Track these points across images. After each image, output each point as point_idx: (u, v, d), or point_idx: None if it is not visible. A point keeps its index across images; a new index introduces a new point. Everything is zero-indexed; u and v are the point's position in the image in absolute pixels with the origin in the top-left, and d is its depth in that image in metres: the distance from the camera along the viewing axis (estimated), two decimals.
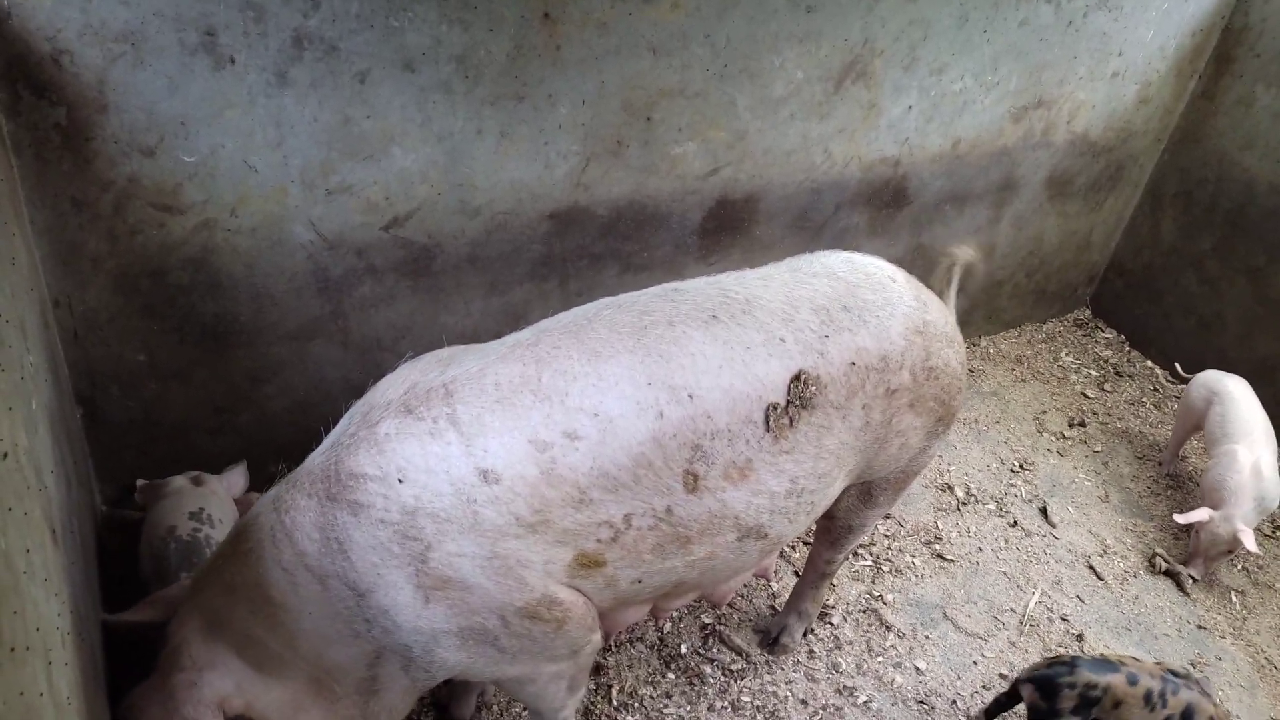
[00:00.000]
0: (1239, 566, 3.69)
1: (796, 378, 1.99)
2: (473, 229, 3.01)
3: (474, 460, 1.77)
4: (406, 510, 1.74)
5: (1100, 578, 3.51)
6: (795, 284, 2.14)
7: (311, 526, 1.78)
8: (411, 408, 1.82)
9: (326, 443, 1.92)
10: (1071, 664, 2.61)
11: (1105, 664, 2.62)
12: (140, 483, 2.85)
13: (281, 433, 3.15)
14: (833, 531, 2.66)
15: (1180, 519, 3.49)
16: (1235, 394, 3.76)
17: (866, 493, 2.48)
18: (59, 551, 1.77)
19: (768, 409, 1.96)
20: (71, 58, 2.23)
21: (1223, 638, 3.35)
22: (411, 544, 1.75)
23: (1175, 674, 2.63)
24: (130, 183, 2.46)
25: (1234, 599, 3.53)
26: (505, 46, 2.69)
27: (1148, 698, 2.57)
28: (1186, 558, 3.60)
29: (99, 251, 2.54)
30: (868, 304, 2.14)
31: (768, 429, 1.97)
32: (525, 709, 2.73)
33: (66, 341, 2.62)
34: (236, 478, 2.99)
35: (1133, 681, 2.57)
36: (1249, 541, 3.32)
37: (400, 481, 1.75)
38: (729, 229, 3.57)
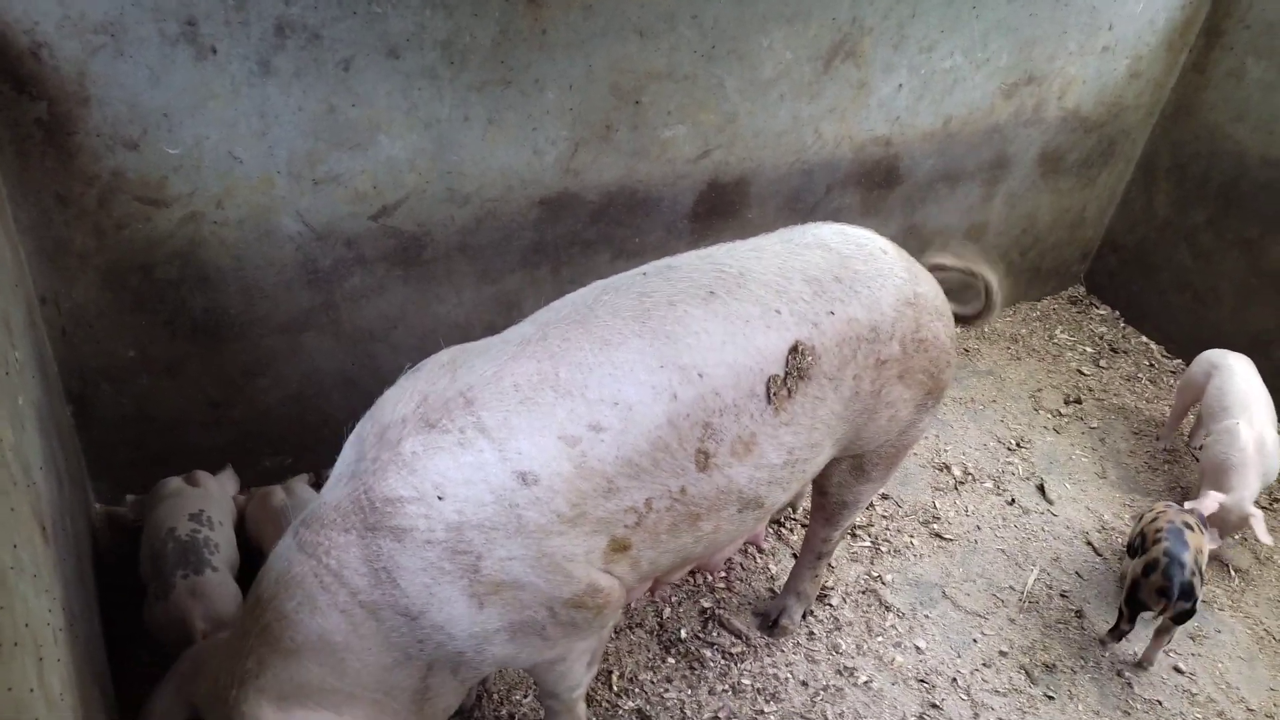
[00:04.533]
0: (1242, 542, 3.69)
1: (794, 349, 2.00)
2: (462, 217, 2.99)
3: (510, 464, 1.76)
4: (451, 526, 1.73)
5: (1099, 554, 3.51)
6: (788, 255, 2.14)
7: (358, 562, 1.74)
8: (433, 421, 1.78)
9: (342, 473, 1.86)
10: (1177, 560, 2.85)
11: (1178, 535, 2.93)
12: (130, 498, 2.85)
13: (276, 426, 3.14)
14: (827, 508, 2.66)
15: (1191, 506, 3.31)
16: (1235, 368, 3.72)
17: (858, 467, 2.48)
18: (50, 549, 1.76)
19: (769, 381, 1.97)
20: (50, 50, 2.20)
21: (1221, 610, 3.36)
22: (462, 557, 1.74)
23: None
24: (114, 177, 2.44)
25: (1232, 572, 3.53)
26: (490, 31, 2.67)
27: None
28: None
29: (85, 247, 2.52)
30: (859, 275, 2.14)
31: (769, 401, 1.97)
32: (525, 696, 2.73)
33: (55, 339, 2.61)
34: (228, 480, 2.99)
35: (1189, 527, 2.98)
36: (1261, 531, 3.23)
37: (440, 499, 1.73)
38: (721, 212, 3.55)
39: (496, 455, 1.76)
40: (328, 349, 3.06)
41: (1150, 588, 2.88)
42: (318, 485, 3.12)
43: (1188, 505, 3.31)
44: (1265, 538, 3.23)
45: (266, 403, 3.08)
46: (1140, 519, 3.18)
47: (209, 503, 2.75)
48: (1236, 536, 3.61)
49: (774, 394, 1.98)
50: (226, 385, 2.97)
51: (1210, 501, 3.28)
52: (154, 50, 2.30)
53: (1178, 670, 3.11)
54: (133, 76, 2.32)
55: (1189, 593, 2.82)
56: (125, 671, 2.46)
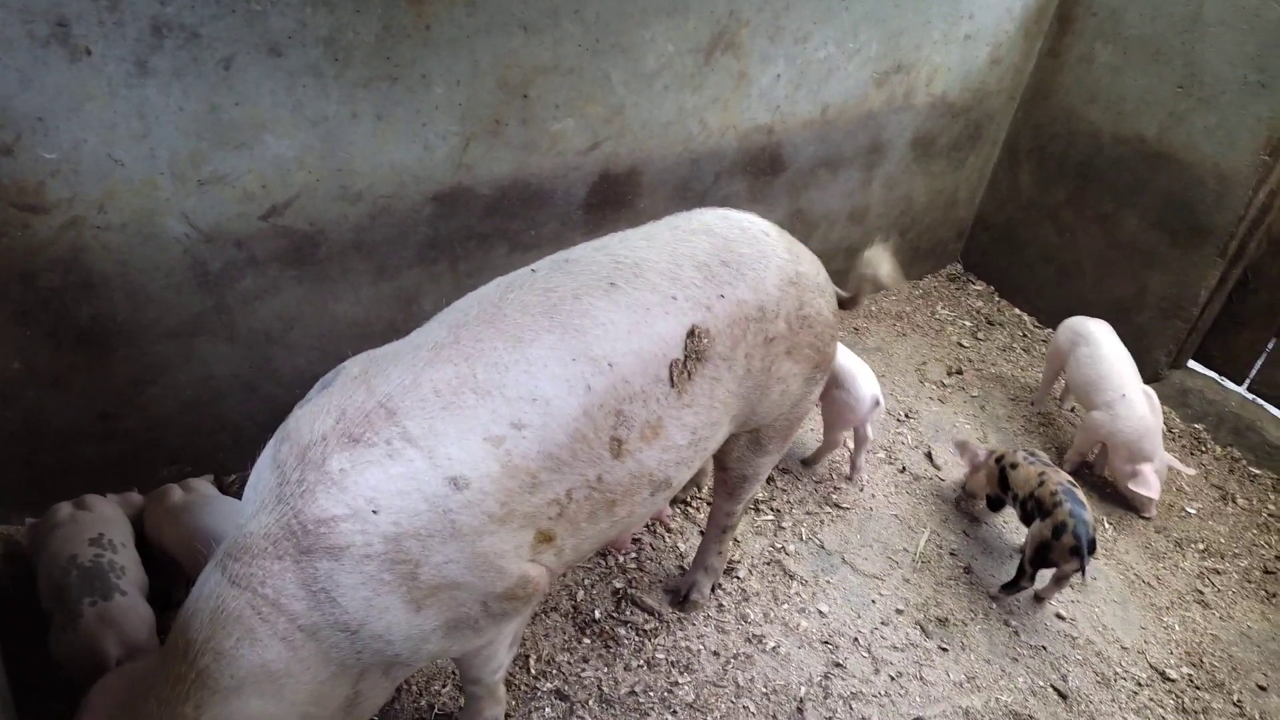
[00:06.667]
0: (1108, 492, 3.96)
1: (691, 332, 2.08)
2: (355, 214, 2.99)
3: (441, 471, 1.77)
4: (389, 539, 1.73)
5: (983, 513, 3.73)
6: (677, 242, 2.21)
7: (295, 587, 1.71)
8: (356, 435, 1.77)
9: (264, 499, 1.78)
10: (1081, 519, 3.06)
11: (1072, 494, 3.15)
12: (29, 521, 2.75)
13: (171, 435, 3.08)
14: (729, 483, 2.77)
15: (1144, 491, 3.63)
16: (1098, 336, 3.96)
17: (756, 441, 2.59)
18: None
19: (671, 365, 2.05)
20: None
21: (1096, 559, 3.60)
22: (400, 566, 1.75)
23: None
24: None
25: (1105, 523, 3.78)
26: (373, 27, 2.68)
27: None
28: (1139, 508, 3.84)
29: None
30: (745, 258, 2.23)
31: (672, 384, 2.05)
32: (444, 686, 2.75)
33: None
34: (134, 497, 2.91)
35: (1075, 484, 3.22)
36: (1181, 466, 3.72)
37: (375, 513, 1.72)
38: (613, 203, 3.63)
39: (427, 463, 1.76)
40: (222, 353, 3.01)
41: (1062, 548, 3.06)
42: (221, 489, 3.06)
43: (1137, 489, 3.67)
44: (1188, 470, 3.76)
45: (160, 411, 3.01)
46: (1011, 471, 3.39)
47: (108, 525, 2.65)
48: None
49: (676, 377, 2.06)
50: (117, 395, 2.90)
51: (1151, 478, 3.60)
52: (24, 52, 2.24)
53: (1059, 616, 3.33)
54: (2, 80, 2.25)
55: (1094, 546, 3.08)
56: (27, 695, 2.40)
